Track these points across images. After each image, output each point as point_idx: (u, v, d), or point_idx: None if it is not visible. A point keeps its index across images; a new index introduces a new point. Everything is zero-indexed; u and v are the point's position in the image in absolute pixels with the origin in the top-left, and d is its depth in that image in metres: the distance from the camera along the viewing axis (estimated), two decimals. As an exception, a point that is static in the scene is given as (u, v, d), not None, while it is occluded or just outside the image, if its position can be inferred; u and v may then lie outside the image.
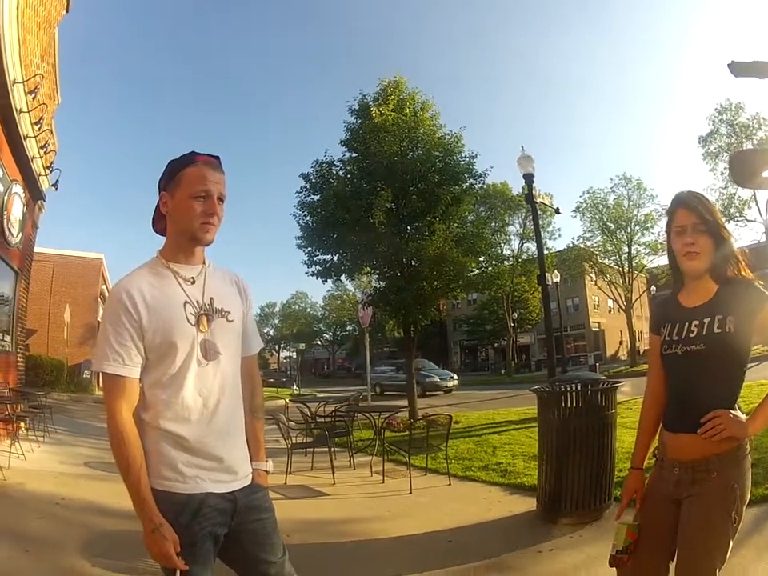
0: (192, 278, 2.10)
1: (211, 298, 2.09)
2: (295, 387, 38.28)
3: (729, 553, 2.15)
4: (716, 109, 34.44)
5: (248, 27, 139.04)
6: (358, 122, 15.66)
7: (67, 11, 13.05)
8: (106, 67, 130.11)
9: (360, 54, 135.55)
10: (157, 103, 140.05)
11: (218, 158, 2.14)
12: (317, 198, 15.27)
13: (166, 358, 1.96)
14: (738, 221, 34.54)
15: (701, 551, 2.14)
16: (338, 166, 15.65)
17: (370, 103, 15.58)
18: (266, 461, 2.29)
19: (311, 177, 15.45)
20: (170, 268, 2.08)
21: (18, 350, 12.48)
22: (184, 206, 2.03)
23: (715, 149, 34.37)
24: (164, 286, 2.03)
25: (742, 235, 34.52)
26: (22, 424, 10.41)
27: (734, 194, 34.49)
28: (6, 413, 9.38)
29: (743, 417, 2.21)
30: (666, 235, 2.54)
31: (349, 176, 15.24)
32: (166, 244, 2.15)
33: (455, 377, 31.64)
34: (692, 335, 2.29)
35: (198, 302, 2.05)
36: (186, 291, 2.05)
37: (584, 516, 5.35)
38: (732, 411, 2.20)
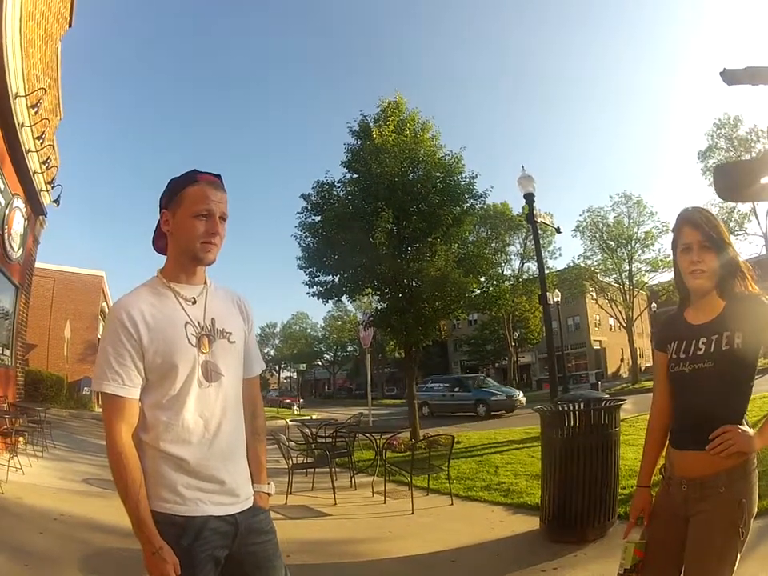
0: (193, 297, 2.08)
1: (213, 319, 2.07)
2: (296, 408, 37.91)
3: (736, 567, 2.13)
4: (714, 123, 34.72)
5: (252, 44, 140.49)
6: (359, 142, 15.79)
7: (70, 26, 13.17)
8: (107, 82, 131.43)
9: (362, 73, 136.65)
10: (159, 119, 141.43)
11: (219, 176, 2.13)
12: (318, 218, 15.35)
13: (166, 379, 1.94)
14: (738, 234, 34.72)
15: (710, 568, 2.12)
16: (339, 187, 15.74)
17: (371, 124, 15.71)
18: (268, 483, 2.25)
19: (312, 198, 15.54)
20: (171, 288, 2.05)
21: (18, 364, 12.48)
22: (186, 225, 2.01)
23: (714, 163, 34.46)
24: (165, 306, 2.01)
25: (742, 249, 34.68)
26: (21, 438, 10.36)
27: (734, 208, 34.63)
28: (5, 427, 9.36)
29: (751, 431, 2.19)
30: (670, 252, 2.53)
31: (350, 197, 15.30)
32: (166, 263, 2.13)
33: (520, 393, 28.27)
34: (700, 353, 2.27)
35: (199, 322, 2.03)
36: (186, 311, 2.03)
37: (588, 534, 5.31)
38: (740, 426, 2.18)
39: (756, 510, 2.21)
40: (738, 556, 2.13)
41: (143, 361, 1.92)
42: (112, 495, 1.85)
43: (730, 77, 1.70)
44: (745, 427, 2.19)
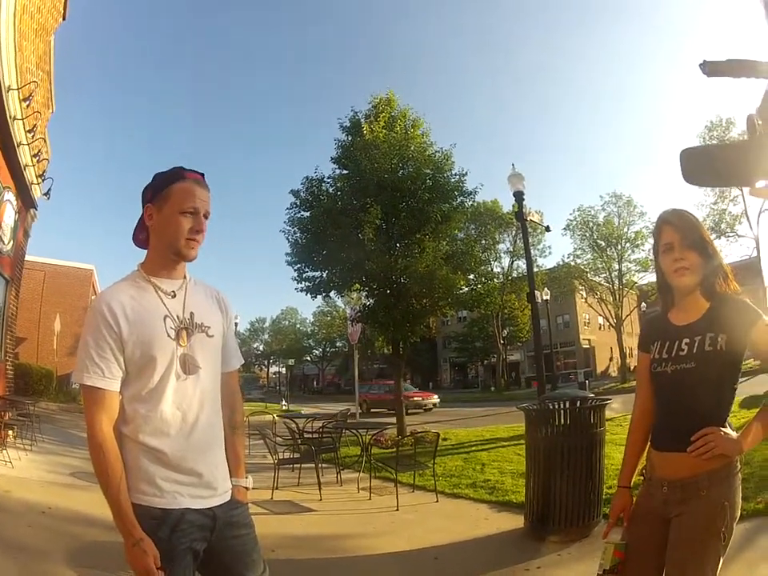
0: (173, 291, 2.10)
1: (191, 313, 2.09)
2: (284, 403, 37.77)
3: (719, 570, 2.13)
4: (706, 126, 34.69)
5: (245, 39, 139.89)
6: (349, 138, 15.76)
7: (64, 19, 13.11)
8: (101, 76, 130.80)
9: (353, 71, 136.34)
10: (152, 114, 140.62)
11: (203, 175, 2.16)
12: (307, 214, 15.30)
13: (145, 372, 1.96)
14: (729, 236, 34.76)
15: (691, 570, 2.11)
16: (329, 183, 15.70)
17: (362, 120, 15.67)
18: (246, 477, 2.27)
19: (301, 193, 15.48)
20: (151, 281, 2.07)
21: (7, 357, 12.45)
22: (171, 221, 2.04)
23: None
24: (145, 299, 2.02)
25: (733, 250, 34.75)
26: (10, 432, 10.35)
27: (725, 210, 34.74)
28: (-5, 420, 9.32)
29: (734, 434, 2.19)
30: (653, 255, 2.53)
31: (339, 193, 15.25)
32: (147, 257, 2.15)
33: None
34: (682, 353, 2.27)
35: (178, 316, 2.05)
36: (166, 305, 2.05)
37: (572, 534, 5.32)
38: (723, 429, 2.18)
39: (739, 513, 2.21)
40: (721, 560, 2.12)
41: (123, 353, 1.94)
42: (98, 489, 1.84)
43: (711, 68, 1.68)
44: (728, 430, 2.19)
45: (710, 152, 1.90)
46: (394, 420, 14.60)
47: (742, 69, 1.69)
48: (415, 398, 29.15)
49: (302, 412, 22.16)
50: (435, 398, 30.82)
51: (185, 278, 2.17)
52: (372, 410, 29.38)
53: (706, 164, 1.72)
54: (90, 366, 1.89)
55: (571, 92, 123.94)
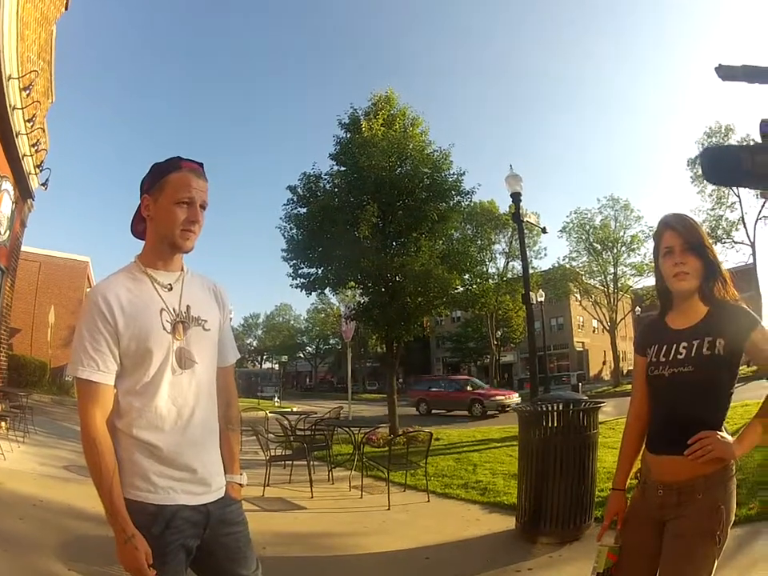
0: (169, 284, 2.07)
1: (188, 306, 2.06)
2: (276, 400, 37.65)
3: (713, 575, 2.12)
4: (705, 132, 34.79)
5: (246, 26, 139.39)
6: (348, 135, 15.73)
7: (66, 8, 13.09)
8: (101, 67, 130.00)
9: (353, 68, 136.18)
10: (151, 105, 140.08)
11: (201, 164, 2.12)
12: (303, 210, 15.29)
13: (140, 365, 1.93)
14: (725, 242, 34.92)
15: (685, 574, 2.10)
16: (326, 180, 15.66)
17: (361, 117, 15.65)
18: (240, 474, 2.25)
19: (298, 189, 15.46)
20: (148, 274, 2.05)
21: (1, 348, 12.44)
22: (167, 211, 2.01)
23: (703, 172, 34.50)
24: (141, 291, 2.00)
25: (729, 257, 34.86)
26: (3, 423, 10.37)
27: (722, 216, 34.95)
28: (-13, 412, 9.30)
29: (730, 438, 2.18)
30: (653, 258, 2.51)
31: (336, 190, 15.22)
32: (144, 249, 2.12)
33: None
34: (680, 357, 2.26)
35: (174, 309, 2.02)
36: (162, 298, 2.02)
37: (564, 536, 5.32)
38: (719, 432, 2.17)
39: (734, 517, 2.20)
40: (715, 564, 2.12)
41: (118, 346, 1.91)
42: (91, 482, 1.82)
43: (726, 72, 1.67)
44: (724, 434, 2.18)
45: (733, 152, 1.89)
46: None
47: (756, 74, 1.68)
48: (497, 398, 24.89)
49: (294, 410, 21.96)
50: (516, 397, 25.13)
51: (182, 270, 2.14)
52: (434, 412, 25.75)
53: (732, 164, 1.71)
54: (84, 358, 1.87)
55: (573, 94, 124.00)
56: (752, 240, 34.82)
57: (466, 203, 15.92)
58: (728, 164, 1.74)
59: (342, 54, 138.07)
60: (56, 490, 6.98)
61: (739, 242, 35.40)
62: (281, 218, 15.60)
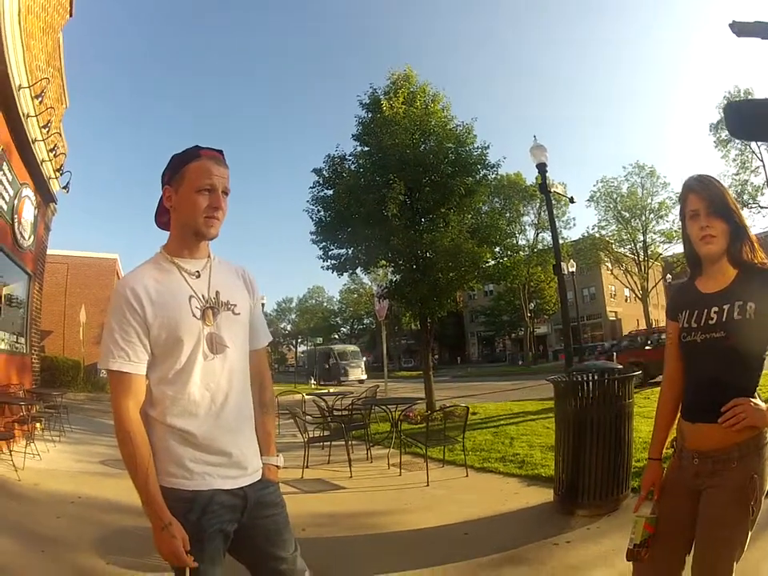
0: (197, 271, 2.09)
1: (217, 292, 2.07)
2: (313, 382, 37.79)
3: (747, 545, 2.10)
4: (724, 96, 34.17)
5: (253, 28, 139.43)
6: (369, 115, 15.64)
7: (71, 15, 13.16)
8: (113, 69, 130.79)
9: (369, 51, 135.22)
10: (167, 102, 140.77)
11: (221, 151, 2.13)
12: (330, 192, 15.25)
13: (172, 354, 1.95)
14: (751, 207, 34.40)
15: (720, 544, 2.09)
16: (350, 160, 15.62)
17: (381, 97, 15.53)
18: (277, 455, 2.26)
19: (324, 172, 15.42)
20: (174, 263, 2.06)
21: (33, 351, 12.59)
22: (188, 200, 2.02)
23: (726, 136, 34.09)
24: (169, 281, 2.02)
25: (756, 222, 34.35)
26: (38, 425, 10.48)
27: (747, 181, 34.42)
28: (21, 414, 9.45)
29: (764, 405, 2.15)
30: (680, 223, 2.48)
31: (361, 170, 15.14)
32: (169, 239, 2.14)
33: None
34: (711, 322, 2.23)
35: (203, 295, 2.04)
36: (191, 285, 2.04)
37: (601, 507, 5.30)
38: (752, 400, 2.14)
39: None
40: (749, 534, 2.10)
41: (148, 336, 1.93)
42: (128, 475, 1.85)
43: (740, 28, 1.65)
44: (758, 401, 2.16)
45: (761, 105, 1.86)
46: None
47: (770, 30, 1.65)
48: None
49: (331, 391, 21.99)
50: None
51: (209, 257, 2.16)
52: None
53: (758, 117, 1.69)
54: (115, 350, 1.89)
55: (593, 62, 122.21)
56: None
57: (493, 176, 15.74)
58: (755, 119, 1.71)
59: (361, 36, 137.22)
60: (93, 486, 7.09)
61: (765, 207, 34.89)
62: (308, 201, 15.61)
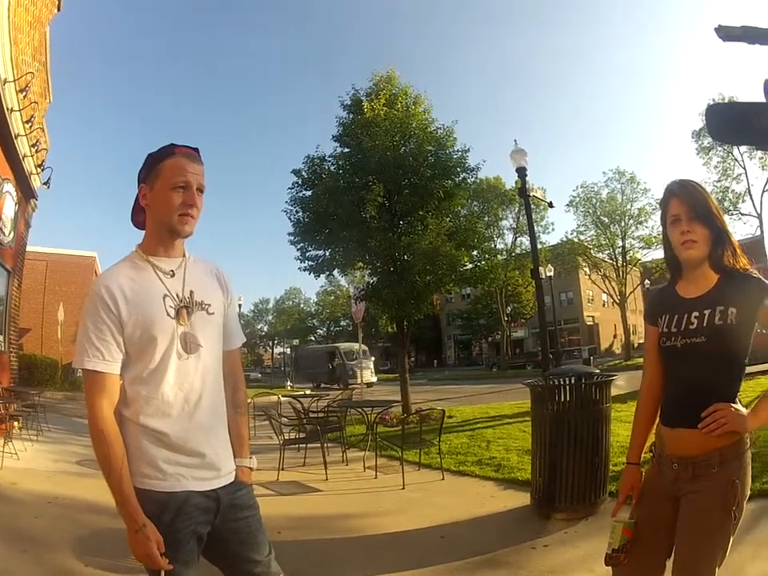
0: (171, 270, 2.07)
1: (191, 291, 2.06)
2: (289, 384, 37.57)
3: (729, 550, 2.09)
4: (708, 104, 34.51)
5: (245, 23, 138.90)
6: (350, 117, 15.64)
7: (59, 9, 13.08)
8: (99, 65, 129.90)
9: (354, 52, 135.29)
10: (151, 100, 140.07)
11: (197, 149, 2.12)
12: (309, 193, 15.22)
13: (145, 353, 1.94)
14: (732, 214, 34.88)
15: (701, 549, 2.08)
16: (330, 162, 15.56)
17: (363, 98, 15.53)
18: (250, 457, 2.24)
19: (303, 172, 15.38)
20: (149, 261, 2.05)
21: (11, 349, 12.49)
22: (163, 197, 2.01)
23: (708, 143, 34.65)
24: (143, 279, 2.00)
25: (737, 229, 34.86)
26: (16, 423, 10.36)
27: (728, 188, 34.90)
28: (-1, 412, 9.31)
29: (744, 410, 2.15)
30: (661, 227, 2.47)
31: (341, 171, 15.12)
32: (145, 237, 2.12)
33: None
34: (692, 327, 2.22)
35: (177, 294, 2.02)
36: (165, 284, 2.02)
37: (578, 511, 5.31)
38: (733, 405, 2.14)
39: (749, 491, 2.18)
40: (731, 539, 2.10)
41: (123, 335, 1.92)
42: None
43: (726, 33, 1.64)
44: (738, 406, 2.15)
45: (743, 109, 1.86)
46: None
47: (757, 35, 1.65)
48: None
49: (307, 393, 21.88)
50: None
51: (184, 255, 2.14)
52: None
53: (740, 121, 1.68)
54: (89, 349, 1.88)
55: (576, 68, 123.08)
56: (759, 212, 34.80)
57: (472, 179, 15.77)
58: (736, 123, 1.71)
59: (346, 33, 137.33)
60: (70, 486, 7.01)
61: (746, 214, 35.33)
62: (286, 202, 15.55)
